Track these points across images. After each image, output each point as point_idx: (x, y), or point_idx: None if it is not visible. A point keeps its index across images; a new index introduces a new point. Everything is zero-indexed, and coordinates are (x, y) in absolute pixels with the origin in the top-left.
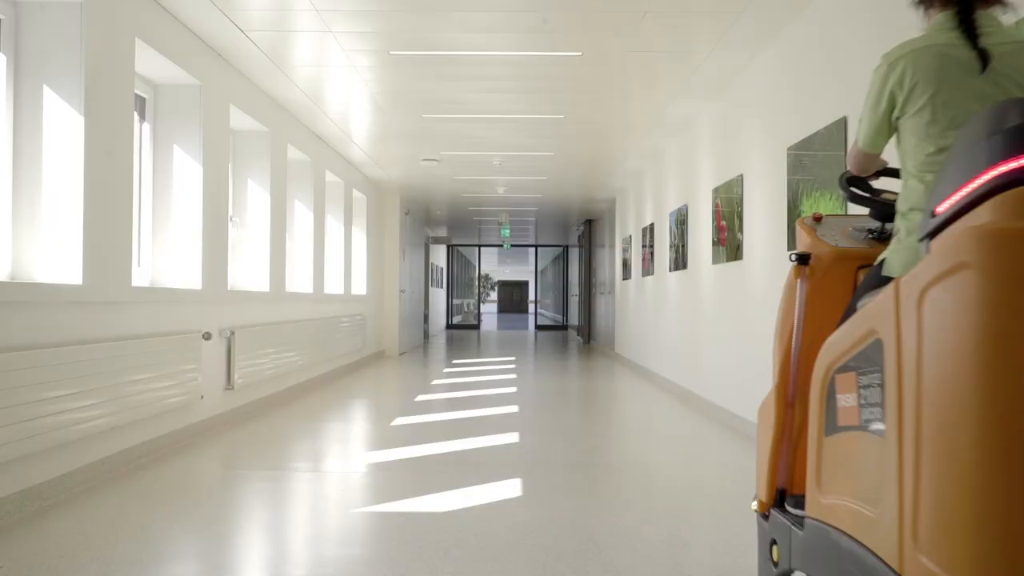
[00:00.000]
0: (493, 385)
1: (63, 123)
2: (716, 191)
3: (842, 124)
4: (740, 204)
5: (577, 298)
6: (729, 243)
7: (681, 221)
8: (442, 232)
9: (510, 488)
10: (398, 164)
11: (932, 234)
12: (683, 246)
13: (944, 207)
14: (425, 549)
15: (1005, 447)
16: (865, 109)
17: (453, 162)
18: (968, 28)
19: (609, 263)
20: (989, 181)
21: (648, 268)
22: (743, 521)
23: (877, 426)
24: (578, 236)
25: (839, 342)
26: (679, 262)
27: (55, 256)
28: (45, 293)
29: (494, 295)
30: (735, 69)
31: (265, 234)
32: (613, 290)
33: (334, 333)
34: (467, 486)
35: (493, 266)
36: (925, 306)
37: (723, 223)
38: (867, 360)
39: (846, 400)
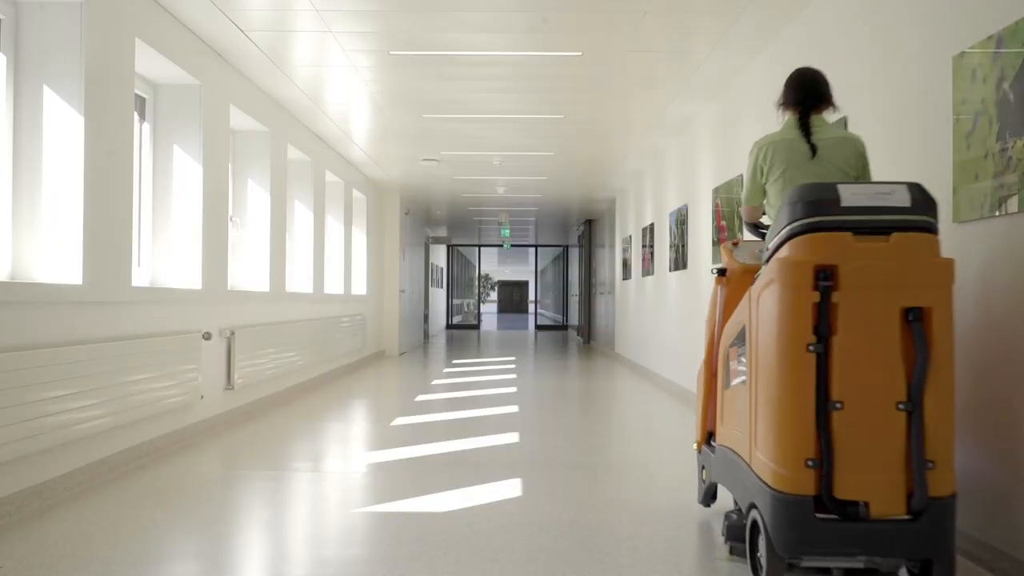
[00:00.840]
0: (493, 385)
1: (63, 123)
2: (716, 191)
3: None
4: (740, 204)
5: (577, 298)
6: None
7: (681, 221)
8: (442, 232)
9: (510, 488)
10: (398, 164)
11: (767, 260)
12: (683, 246)
13: (771, 244)
14: (425, 549)
15: (792, 385)
16: (746, 178)
17: (453, 162)
18: (804, 128)
19: (609, 263)
20: (789, 231)
21: (648, 268)
22: None
23: (744, 379)
24: (578, 236)
25: (731, 327)
26: (679, 262)
27: (55, 256)
28: (45, 293)
29: (494, 295)
30: (735, 69)
31: (265, 234)
32: (613, 290)
33: (334, 333)
34: (467, 486)
35: (493, 266)
36: (760, 304)
37: (723, 223)
38: (741, 339)
39: (734, 365)
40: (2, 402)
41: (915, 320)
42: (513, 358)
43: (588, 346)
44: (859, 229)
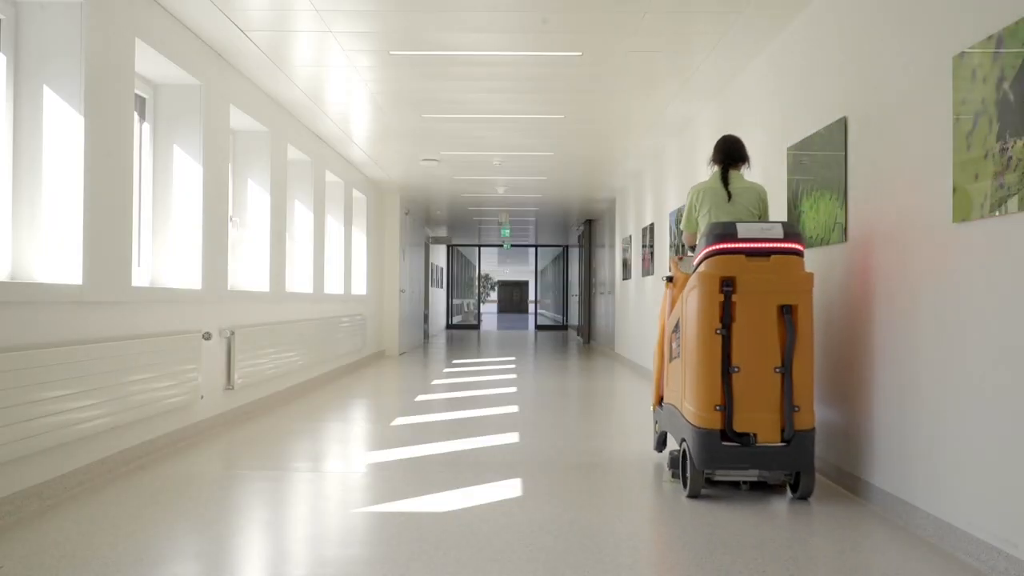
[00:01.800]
0: (493, 385)
1: (63, 123)
2: None
3: (842, 124)
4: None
5: (577, 298)
6: None
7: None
8: (442, 232)
9: (510, 488)
10: (398, 164)
11: (693, 272)
12: (683, 246)
13: (695, 262)
14: (425, 549)
15: (706, 356)
16: (685, 213)
17: (453, 162)
18: (724, 180)
19: (609, 263)
20: (704, 253)
21: (648, 268)
22: (744, 520)
23: (679, 355)
24: (578, 236)
25: (672, 320)
26: None
27: (55, 256)
28: (45, 293)
29: (494, 295)
30: (735, 69)
31: (265, 234)
32: (613, 290)
33: (334, 333)
34: (467, 486)
35: (493, 266)
36: (687, 303)
37: None
38: (678, 327)
39: (673, 345)
40: (2, 402)
41: (787, 313)
42: (513, 358)
43: (588, 346)
44: (750, 253)
